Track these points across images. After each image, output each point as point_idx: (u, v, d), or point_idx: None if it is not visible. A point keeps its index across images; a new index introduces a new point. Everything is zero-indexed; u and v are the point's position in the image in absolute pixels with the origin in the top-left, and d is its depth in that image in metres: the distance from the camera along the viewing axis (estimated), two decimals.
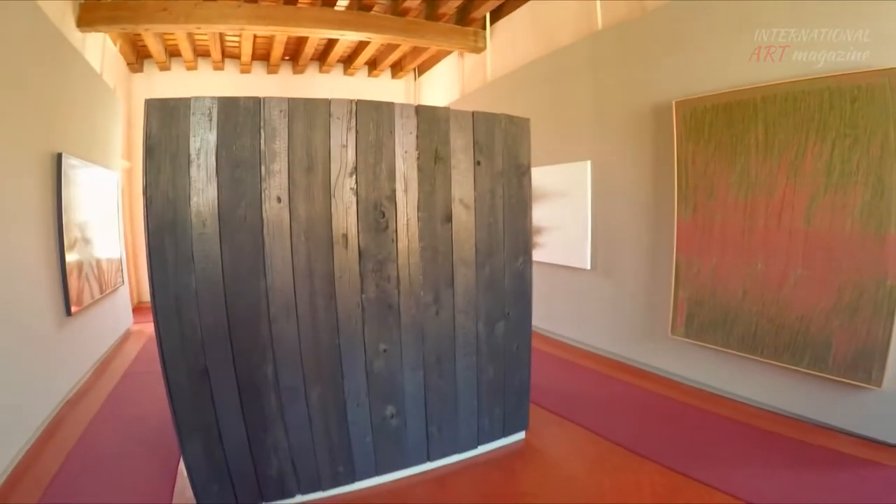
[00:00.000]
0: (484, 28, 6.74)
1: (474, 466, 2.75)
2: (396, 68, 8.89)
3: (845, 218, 2.98)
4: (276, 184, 2.16)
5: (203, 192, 2.03)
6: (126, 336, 5.69)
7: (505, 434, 2.97)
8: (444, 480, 2.62)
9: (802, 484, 2.57)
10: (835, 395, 3.12)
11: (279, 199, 2.17)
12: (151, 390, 3.76)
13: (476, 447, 2.87)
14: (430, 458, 2.71)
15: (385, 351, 2.50)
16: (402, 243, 2.50)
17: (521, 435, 3.05)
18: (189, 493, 2.32)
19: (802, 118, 3.13)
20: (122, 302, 5.79)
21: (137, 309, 6.67)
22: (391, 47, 7.52)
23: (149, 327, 5.75)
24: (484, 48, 6.76)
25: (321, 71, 8.47)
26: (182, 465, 2.40)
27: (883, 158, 2.81)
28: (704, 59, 3.69)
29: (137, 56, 7.35)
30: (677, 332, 3.85)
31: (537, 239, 5.23)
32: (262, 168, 2.12)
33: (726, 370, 3.65)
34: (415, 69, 8.89)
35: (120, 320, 5.62)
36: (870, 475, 2.65)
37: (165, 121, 1.97)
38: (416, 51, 7.93)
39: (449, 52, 7.67)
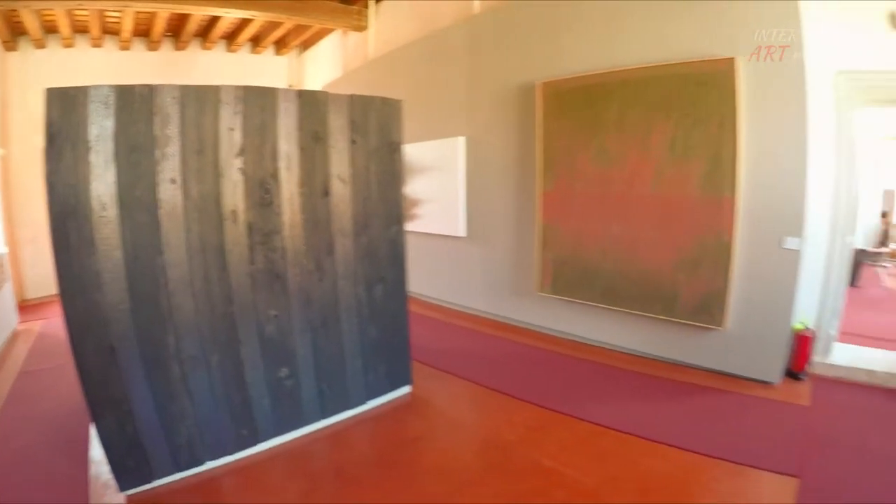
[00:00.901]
0: (367, 7, 7.76)
1: (366, 420, 3.66)
2: (280, 45, 9.79)
3: (688, 186, 4.25)
4: (170, 166, 2.83)
5: (102, 176, 2.65)
6: (14, 337, 6.02)
7: (391, 389, 3.92)
8: (339, 435, 3.48)
9: (658, 410, 3.78)
10: (686, 337, 4.46)
11: (173, 181, 2.85)
12: (50, 386, 4.28)
13: (366, 402, 3.78)
14: (324, 416, 3.57)
15: (275, 316, 3.27)
16: (286, 217, 3.28)
17: (406, 389, 4.01)
18: (105, 475, 2.95)
19: (652, 100, 4.37)
20: (6, 301, 6.09)
21: (21, 307, 6.95)
22: (275, 24, 8.32)
23: (36, 325, 6.18)
24: (367, 27, 7.85)
25: (204, 48, 9.17)
26: (93, 452, 3.02)
27: (720, 135, 4.09)
28: (569, 44, 4.88)
29: (12, 33, 7.46)
30: (545, 289, 5.10)
31: (416, 210, 6.31)
32: (157, 152, 2.78)
33: (589, 321, 4.93)
34: (299, 46, 9.88)
35: (6, 320, 5.94)
36: (717, 401, 3.98)
37: (66, 109, 2.53)
38: (300, 28, 8.77)
39: (333, 30, 8.63)
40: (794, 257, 4.06)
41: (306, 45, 9.90)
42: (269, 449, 3.35)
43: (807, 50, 3.95)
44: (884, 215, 10.77)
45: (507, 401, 3.93)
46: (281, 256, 3.28)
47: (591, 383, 4.29)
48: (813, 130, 4.04)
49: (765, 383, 4.30)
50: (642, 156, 4.47)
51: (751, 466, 3.15)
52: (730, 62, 4.04)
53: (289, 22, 7.80)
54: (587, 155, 4.78)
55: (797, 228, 4.03)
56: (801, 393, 4.24)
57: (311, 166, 3.37)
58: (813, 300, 4.54)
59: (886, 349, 5.17)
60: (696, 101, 4.20)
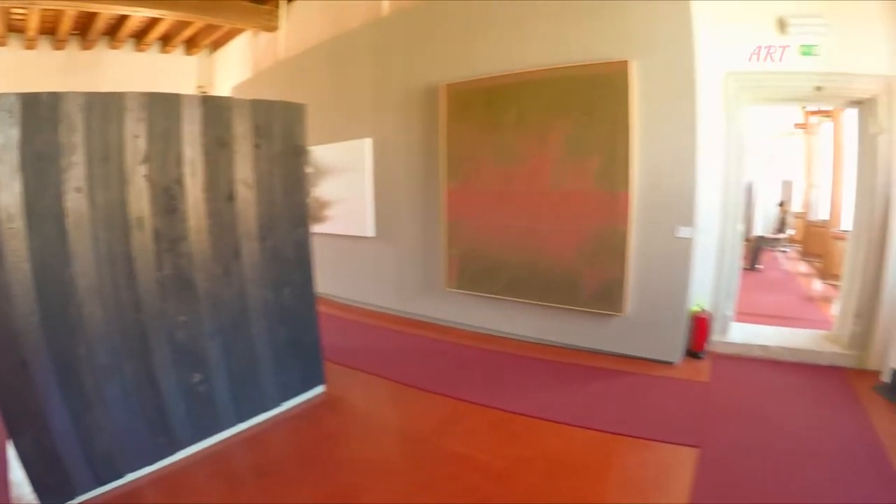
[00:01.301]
0: (278, 7, 8.08)
1: (283, 421, 3.96)
2: (190, 45, 10.03)
3: (585, 181, 4.83)
4: (76, 175, 3.02)
5: (8, 187, 2.81)
6: None
7: (306, 389, 4.25)
8: (257, 437, 3.76)
9: (565, 394, 4.32)
10: (589, 324, 5.06)
11: (79, 190, 3.04)
12: None
13: (281, 404, 4.09)
14: (241, 419, 3.85)
15: (185, 322, 3.51)
16: (192, 223, 3.54)
17: (320, 388, 4.35)
18: (28, 496, 2.97)
19: (552, 101, 4.96)
20: None
21: None
22: (185, 23, 8.50)
23: None
24: (278, 27, 8.18)
25: (111, 47, 9.26)
26: (14, 474, 3.13)
27: (615, 133, 4.70)
28: (473, 47, 5.42)
29: None
30: (452, 285, 5.63)
31: (326, 212, 6.71)
32: (63, 160, 2.96)
33: (497, 313, 5.50)
34: (209, 46, 10.16)
35: None
36: (621, 382, 4.61)
37: None
38: (210, 27, 9.02)
39: (243, 30, 8.92)
40: (687, 245, 4.77)
41: (217, 45, 10.15)
42: (189, 456, 3.57)
43: (697, 52, 4.65)
44: (781, 204, 12.14)
45: (419, 394, 4.37)
46: (188, 262, 3.54)
47: (500, 373, 4.81)
48: (703, 128, 4.75)
49: (666, 363, 4.99)
50: (542, 153, 5.06)
51: (654, 440, 3.69)
52: (623, 64, 4.68)
53: (199, 21, 8.02)
54: (490, 153, 5.33)
55: (689, 218, 4.75)
56: (701, 370, 4.95)
57: (216, 172, 3.64)
58: (708, 284, 5.31)
59: (781, 326, 6.06)
60: (592, 101, 4.82)
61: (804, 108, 10.11)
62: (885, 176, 4.98)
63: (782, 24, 4.94)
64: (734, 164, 5.20)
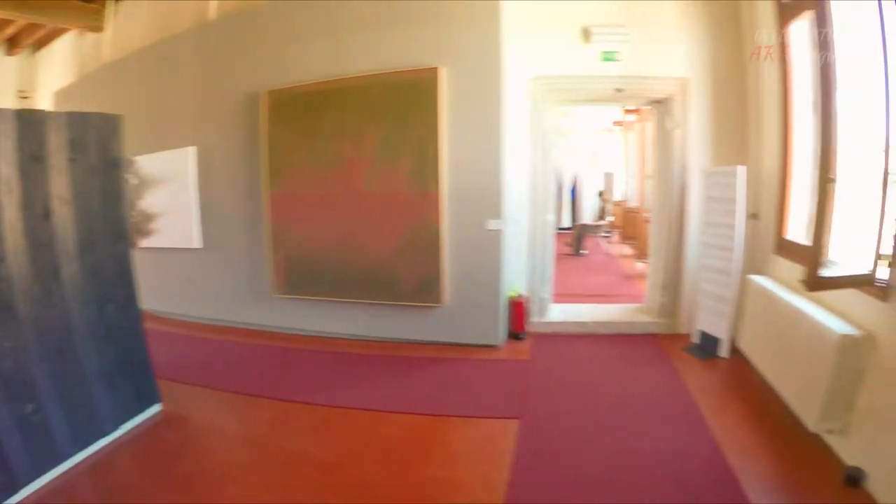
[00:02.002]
0: (105, 7, 7.68)
1: (123, 444, 3.85)
2: (12, 45, 9.22)
3: (399, 182, 5.20)
4: None
5: None
6: None
7: (142, 409, 4.18)
8: (100, 463, 3.65)
9: (394, 385, 4.62)
10: (412, 317, 5.45)
11: None
12: None
13: (118, 427, 4.00)
14: (79, 447, 3.72)
15: (10, 349, 3.42)
16: (10, 243, 3.36)
17: (157, 407, 4.32)
18: None
19: (368, 106, 5.27)
20: None
21: None
22: (5, 22, 7.88)
23: None
24: (103, 28, 7.76)
25: None
26: None
27: (426, 136, 5.09)
28: (293, 54, 5.61)
29: None
30: (280, 290, 5.82)
31: (151, 225, 6.55)
32: None
33: (325, 315, 5.78)
34: (32, 45, 9.39)
35: None
36: (447, 368, 4.98)
37: None
38: (33, 26, 8.37)
39: (68, 30, 8.37)
40: (497, 236, 5.28)
41: (40, 44, 9.38)
42: (33, 493, 3.36)
43: (504, 59, 5.16)
44: (601, 194, 13.25)
45: (254, 401, 4.46)
46: (8, 286, 3.38)
47: (330, 372, 5.03)
48: (509, 128, 5.29)
49: (490, 346, 5.46)
50: (359, 157, 5.37)
51: (478, 417, 4.03)
52: (434, 71, 5.09)
53: (20, 19, 7.47)
54: (310, 158, 5.56)
55: (496, 212, 5.25)
56: (523, 350, 5.47)
57: (31, 188, 3.52)
58: (524, 270, 5.88)
59: (601, 303, 6.73)
60: (405, 106, 5.19)
61: (624, 107, 10.94)
62: (681, 165, 5.76)
63: (587, 33, 5.56)
64: (540, 161, 5.81)
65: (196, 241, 6.34)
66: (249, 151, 5.89)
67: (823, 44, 3.11)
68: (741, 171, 4.97)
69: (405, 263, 5.35)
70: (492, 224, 5.21)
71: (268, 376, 4.95)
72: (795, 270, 4.31)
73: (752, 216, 5.30)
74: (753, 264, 5.27)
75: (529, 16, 5.47)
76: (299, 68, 5.58)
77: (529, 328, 5.83)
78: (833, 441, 3.53)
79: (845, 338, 3.32)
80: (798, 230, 4.70)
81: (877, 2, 3.07)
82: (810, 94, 4.23)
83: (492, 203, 5.22)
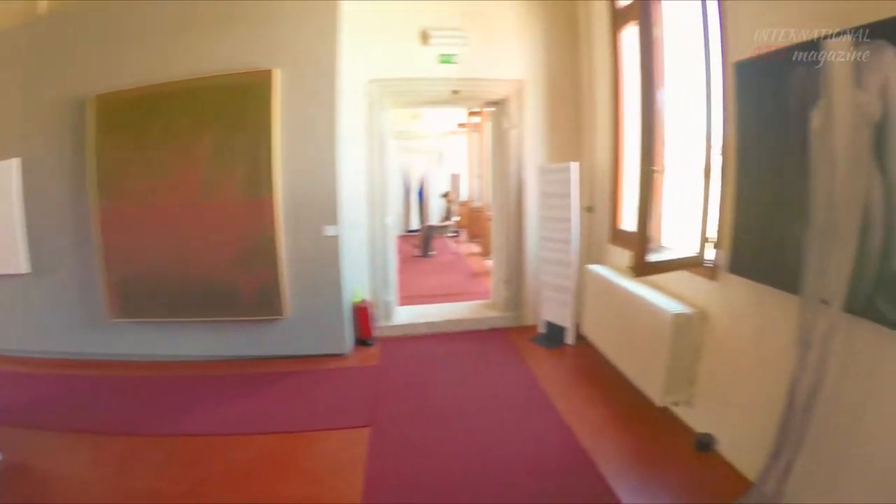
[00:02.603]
0: None
1: None
2: None
3: (233, 190, 4.86)
4: None
5: None
6: None
7: None
8: None
9: (242, 405, 4.31)
10: (256, 332, 5.14)
11: None
12: None
13: None
14: None
15: None
16: None
17: None
18: None
19: (200, 110, 4.87)
20: None
21: None
22: None
23: None
24: None
25: None
26: None
27: (259, 141, 4.79)
28: (125, 56, 5.05)
29: None
30: (116, 314, 5.21)
31: None
32: None
33: (166, 338, 5.29)
34: None
35: None
36: (295, 382, 4.75)
37: None
38: None
39: None
40: (334, 242, 5.11)
41: None
42: None
43: (339, 61, 4.98)
44: (446, 195, 13.38)
45: (98, 440, 3.98)
46: None
47: (176, 399, 4.62)
48: (345, 132, 5.12)
49: (337, 355, 5.28)
50: (192, 165, 4.96)
51: (330, 430, 3.89)
52: (268, 73, 4.82)
53: None
54: (142, 168, 5.05)
55: (333, 217, 5.08)
56: (371, 355, 5.34)
57: None
58: (366, 275, 5.74)
59: (449, 302, 6.70)
60: (238, 110, 4.87)
61: (468, 110, 11.05)
62: (518, 164, 5.86)
63: (425, 36, 5.52)
64: (378, 164, 5.70)
65: (23, 266, 5.48)
66: (79, 162, 5.19)
67: (647, 41, 3.21)
68: (574, 166, 5.20)
69: (244, 275, 5.02)
70: (329, 230, 5.04)
71: (111, 410, 4.45)
72: (628, 258, 4.55)
73: (588, 209, 5.53)
74: (591, 254, 5.52)
75: (369, 18, 5.36)
76: (131, 70, 5.04)
77: (377, 333, 5.71)
78: (681, 412, 3.81)
79: (678, 316, 3.56)
80: (631, 220, 4.96)
81: (700, 6, 3.32)
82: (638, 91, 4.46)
83: (328, 208, 5.04)
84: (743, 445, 3.20)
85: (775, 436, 2.61)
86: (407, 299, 6.59)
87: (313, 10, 4.93)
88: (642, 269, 3.29)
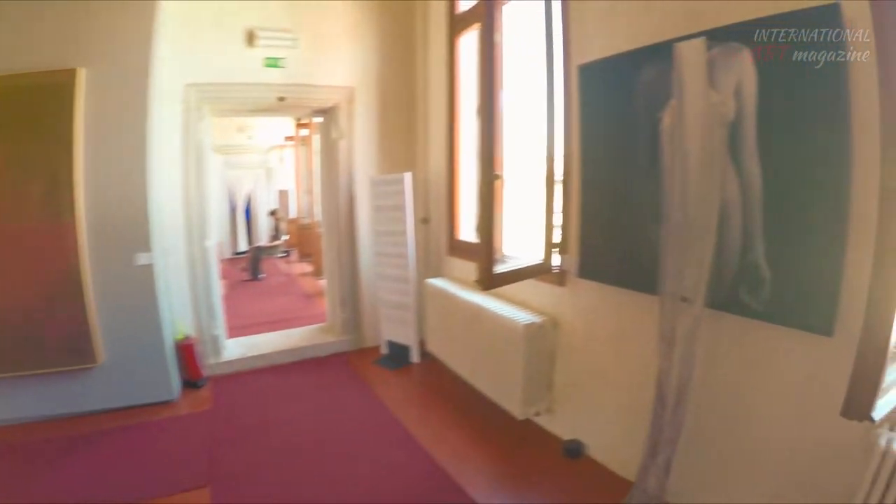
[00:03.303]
0: None
1: None
2: None
3: (26, 212, 3.97)
4: None
5: None
6: None
7: None
8: None
9: (53, 480, 3.42)
10: (67, 385, 4.21)
11: None
12: None
13: None
14: None
15: None
16: None
17: None
18: None
19: None
20: None
21: None
22: None
23: None
24: None
25: None
26: None
27: (59, 153, 3.93)
28: None
29: None
30: None
31: None
32: None
33: None
34: None
35: None
36: (119, 441, 3.91)
37: None
38: None
39: None
40: (149, 272, 4.35)
41: None
42: None
43: (157, 61, 4.26)
44: (273, 213, 12.68)
45: None
46: None
47: None
48: (159, 144, 4.41)
49: (165, 403, 4.53)
50: None
51: (162, 497, 3.22)
52: (71, 73, 3.96)
53: None
54: None
55: (146, 243, 4.31)
56: (203, 398, 4.67)
57: None
58: (189, 308, 5.01)
59: (283, 329, 6.20)
60: (35, 115, 3.99)
61: (297, 121, 10.50)
62: (347, 176, 5.50)
63: (251, 36, 4.91)
64: (195, 179, 4.97)
65: None
66: None
67: (487, 46, 3.07)
68: (408, 177, 4.94)
69: (47, 318, 4.10)
70: (142, 258, 4.28)
71: None
72: (470, 269, 4.36)
73: (423, 220, 5.30)
74: (430, 268, 5.29)
75: (190, 14, 4.64)
76: None
77: (207, 372, 5.02)
78: (545, 422, 3.74)
79: (529, 327, 3.48)
80: (470, 231, 4.83)
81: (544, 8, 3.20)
82: (476, 99, 4.37)
83: (140, 233, 4.27)
84: (614, 446, 3.18)
85: (649, 434, 2.60)
86: (237, 330, 5.94)
87: (128, 2, 4.14)
88: (490, 281, 3.09)
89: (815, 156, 2.08)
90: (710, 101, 2.26)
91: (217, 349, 5.23)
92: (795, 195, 2.16)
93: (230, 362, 5.26)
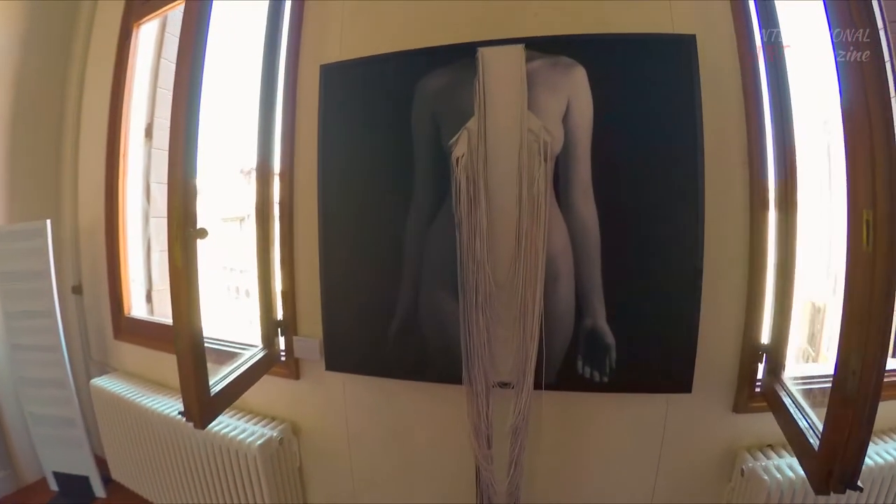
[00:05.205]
0: None
1: None
2: None
3: None
4: None
5: None
6: None
7: None
8: None
9: None
10: None
11: None
12: None
13: None
14: None
15: None
16: None
17: None
18: None
19: None
20: None
21: None
22: None
23: None
24: None
25: None
26: None
27: None
28: None
29: None
30: None
31: None
32: None
33: None
34: None
35: None
36: None
37: None
38: None
39: None
40: None
41: None
42: None
43: None
44: None
45: None
46: None
47: None
48: None
49: None
50: None
51: None
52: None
53: None
54: None
55: None
56: None
57: None
58: None
59: None
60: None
61: None
62: None
63: None
64: None
65: None
66: None
67: (187, 42, 1.85)
68: (48, 226, 3.21)
69: None
70: None
71: None
72: (154, 359, 3.18)
73: (75, 290, 3.71)
74: (94, 360, 3.69)
75: None
76: None
77: None
78: None
79: (265, 447, 2.44)
80: (141, 302, 3.49)
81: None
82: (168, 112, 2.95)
83: None
84: None
85: None
86: None
87: None
88: (208, 410, 1.89)
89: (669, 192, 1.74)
90: (527, 126, 1.72)
91: None
92: (642, 240, 1.77)
93: None
